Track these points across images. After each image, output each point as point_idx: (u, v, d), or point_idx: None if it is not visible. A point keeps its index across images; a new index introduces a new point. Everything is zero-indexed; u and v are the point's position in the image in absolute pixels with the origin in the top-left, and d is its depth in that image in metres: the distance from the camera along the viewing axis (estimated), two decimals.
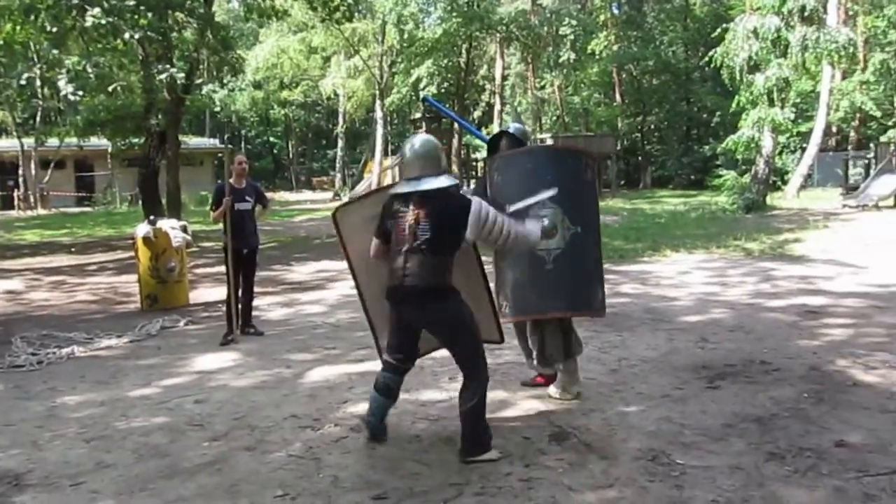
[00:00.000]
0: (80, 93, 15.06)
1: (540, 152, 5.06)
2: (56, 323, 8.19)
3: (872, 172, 21.89)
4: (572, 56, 37.69)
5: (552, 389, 4.79)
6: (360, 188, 38.12)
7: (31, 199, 32.36)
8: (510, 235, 3.85)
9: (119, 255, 14.58)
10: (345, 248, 4.17)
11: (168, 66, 15.38)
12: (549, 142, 30.05)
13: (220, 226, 7.13)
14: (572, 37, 37.13)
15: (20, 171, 32.62)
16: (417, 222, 3.72)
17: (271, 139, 57.95)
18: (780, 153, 28.08)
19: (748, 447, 3.88)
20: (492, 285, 4.50)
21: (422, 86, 35.17)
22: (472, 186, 5.13)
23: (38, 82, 20.86)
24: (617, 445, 3.97)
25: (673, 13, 40.74)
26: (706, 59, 22.77)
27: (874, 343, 6.02)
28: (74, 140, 26.62)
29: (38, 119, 33.11)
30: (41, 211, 31.27)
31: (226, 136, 40.31)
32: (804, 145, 27.36)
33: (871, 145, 26.93)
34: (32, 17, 13.44)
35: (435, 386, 5.18)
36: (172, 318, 8.15)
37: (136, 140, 19.76)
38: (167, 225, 9.22)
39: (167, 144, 17.45)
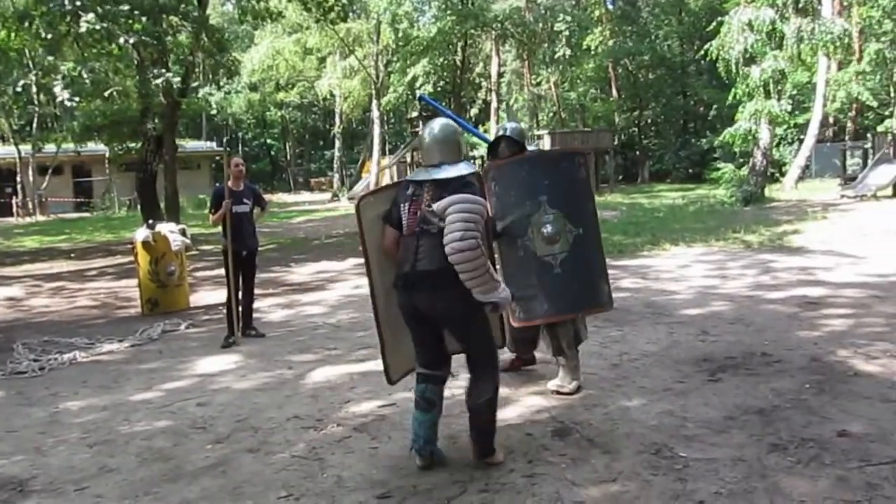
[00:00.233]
0: (77, 98, 15.06)
1: (534, 159, 5.09)
2: (57, 329, 8.19)
3: (870, 162, 21.90)
4: (568, 52, 37.69)
5: (552, 383, 4.81)
6: (359, 188, 38.15)
7: (30, 206, 32.36)
8: (456, 238, 3.35)
9: (118, 259, 14.59)
10: (364, 240, 3.95)
11: (163, 70, 15.40)
12: (547, 139, 30.04)
13: (220, 229, 7.14)
14: (567, 33, 37.13)
15: (18, 178, 32.61)
16: (429, 205, 3.56)
17: (268, 141, 57.93)
18: (778, 145, 28.09)
19: (750, 439, 3.89)
20: None
21: (418, 84, 35.17)
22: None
23: (34, 89, 20.84)
24: (619, 440, 3.97)
25: (667, 7, 40.71)
26: (702, 52, 22.79)
27: (874, 333, 6.02)
28: (71, 146, 26.64)
29: (34, 125, 33.08)
30: (40, 217, 31.27)
31: (223, 139, 40.29)
32: (801, 137, 27.39)
33: (869, 135, 26.91)
34: (27, 24, 13.45)
35: None
36: (173, 321, 8.15)
37: (133, 144, 19.73)
38: (166, 229, 9.23)
39: (164, 148, 17.44)
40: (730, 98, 21.88)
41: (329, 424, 4.49)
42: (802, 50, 20.40)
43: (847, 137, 30.94)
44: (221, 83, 37.09)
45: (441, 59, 35.85)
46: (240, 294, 7.16)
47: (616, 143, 36.88)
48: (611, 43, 38.05)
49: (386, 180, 40.09)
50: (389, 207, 3.80)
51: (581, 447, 3.90)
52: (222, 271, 7.42)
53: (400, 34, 31.49)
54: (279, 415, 4.73)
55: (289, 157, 56.17)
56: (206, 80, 26.79)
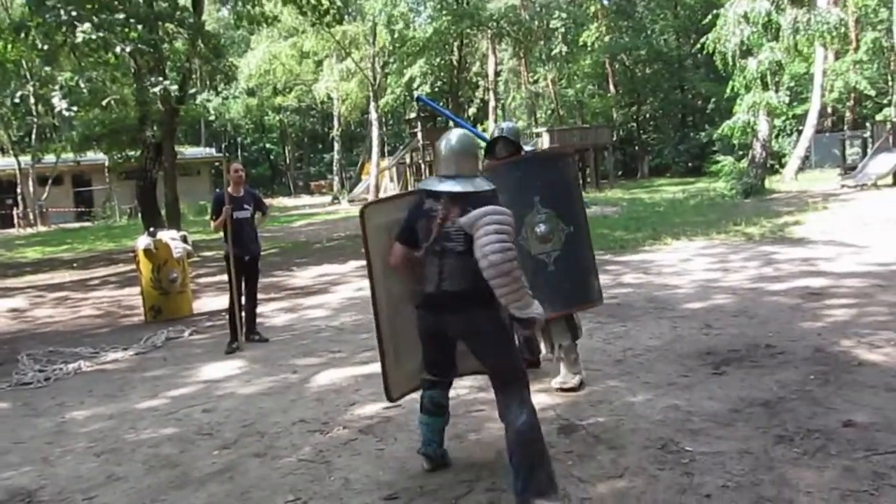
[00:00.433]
0: (75, 108, 15.10)
1: (529, 160, 5.17)
2: (61, 339, 8.20)
3: (870, 152, 21.88)
4: (564, 49, 37.70)
5: (556, 381, 4.83)
6: (359, 190, 38.19)
7: (31, 217, 32.42)
8: (494, 251, 3.14)
9: (121, 268, 14.61)
10: (367, 249, 3.76)
11: (161, 77, 15.41)
12: (545, 136, 30.03)
13: (221, 234, 7.15)
14: (563, 29, 37.14)
15: (18, 189, 32.66)
16: (451, 221, 3.35)
17: (267, 145, 57.99)
18: (777, 136, 28.08)
19: (756, 431, 3.89)
20: None
21: (415, 85, 35.20)
22: None
23: (32, 99, 20.92)
24: (625, 435, 3.98)
25: (663, 1, 40.74)
26: (698, 45, 22.79)
27: (878, 322, 6.02)
28: (71, 155, 26.68)
29: (33, 136, 33.13)
30: (41, 228, 31.31)
31: (222, 145, 40.27)
32: (800, 128, 27.41)
33: (867, 124, 26.90)
34: (23, 35, 13.47)
35: None
36: (177, 328, 8.17)
37: (132, 153, 19.75)
38: (167, 236, 9.24)
39: (163, 155, 17.45)
40: (727, 91, 21.89)
41: (335, 427, 4.50)
42: (799, 41, 20.39)
43: (846, 127, 30.93)
44: (219, 89, 37.15)
45: (438, 60, 35.88)
46: (243, 299, 7.17)
47: (615, 138, 36.89)
48: (607, 39, 38.09)
49: (385, 182, 40.17)
50: (402, 223, 3.59)
51: (587, 443, 3.90)
52: (225, 277, 7.43)
53: (396, 35, 31.50)
54: (285, 419, 4.73)
55: (288, 160, 56.20)
56: (204, 86, 26.86)
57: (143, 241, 9.04)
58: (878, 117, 27.59)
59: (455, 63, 36.26)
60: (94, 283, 13.15)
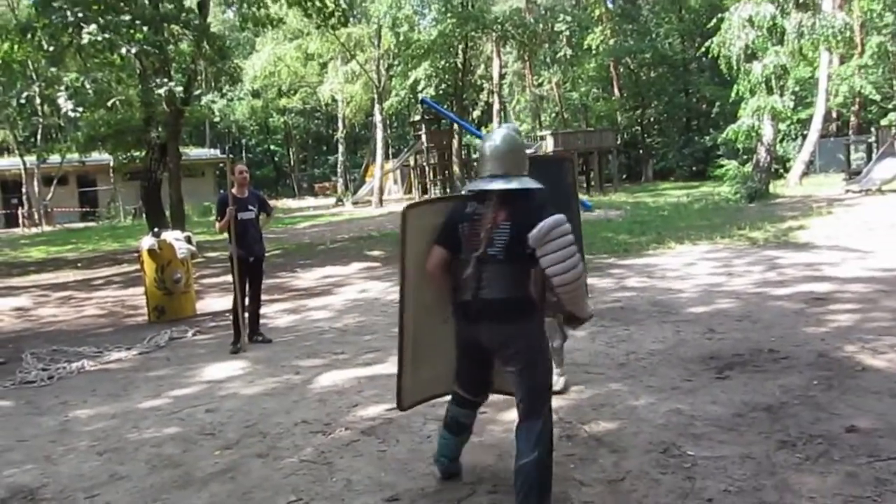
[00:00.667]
0: (80, 108, 15.17)
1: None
2: (65, 338, 8.23)
3: (874, 156, 21.83)
4: (569, 52, 37.72)
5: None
6: (363, 192, 38.22)
7: (36, 217, 32.51)
8: (569, 267, 3.02)
9: (125, 268, 14.64)
10: (404, 252, 3.50)
11: (166, 78, 15.45)
12: (550, 139, 30.03)
13: (226, 235, 7.16)
14: (568, 33, 37.16)
15: (23, 189, 32.76)
16: (496, 225, 3.14)
17: (272, 147, 58.09)
18: (781, 141, 28.05)
19: (759, 436, 3.89)
20: None
21: (420, 88, 35.21)
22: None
23: (38, 100, 21.01)
24: (627, 439, 3.97)
25: (667, 5, 40.68)
26: (703, 49, 22.75)
27: (881, 328, 6.00)
28: (76, 156, 26.76)
29: (39, 136, 33.26)
30: (46, 228, 31.40)
31: (226, 146, 40.38)
32: (805, 132, 27.34)
33: (872, 129, 26.85)
34: (29, 36, 13.53)
35: None
36: (180, 328, 8.19)
37: (137, 153, 19.82)
38: (171, 237, 9.27)
39: (168, 156, 17.50)
40: (732, 95, 21.85)
41: (337, 428, 4.51)
42: (804, 45, 20.35)
43: (851, 132, 30.87)
44: (224, 90, 37.24)
45: (442, 62, 35.84)
46: (246, 300, 7.18)
47: (619, 142, 36.87)
48: (612, 42, 38.06)
49: (389, 184, 40.22)
50: (442, 225, 3.36)
51: (589, 447, 3.90)
52: (228, 278, 7.46)
53: (401, 38, 31.52)
54: (287, 420, 4.74)
55: (292, 162, 56.28)
56: (209, 87, 26.90)
57: (147, 242, 9.07)
58: (883, 122, 27.53)
59: (460, 66, 36.23)
60: (98, 282, 13.18)
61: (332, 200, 39.47)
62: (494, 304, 3.17)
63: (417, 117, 39.34)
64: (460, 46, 34.65)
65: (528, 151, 5.27)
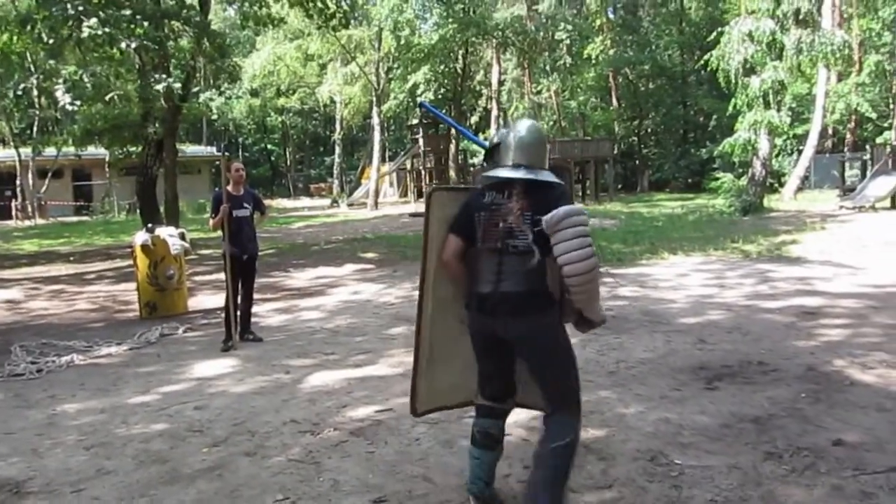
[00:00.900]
0: (77, 102, 15.11)
1: None
2: (55, 332, 8.19)
3: (869, 174, 21.95)
4: (568, 61, 37.82)
5: None
6: (358, 194, 38.22)
7: (29, 209, 32.36)
8: (582, 256, 2.90)
9: (117, 263, 14.59)
10: (427, 240, 3.33)
11: (165, 75, 15.42)
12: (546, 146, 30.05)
13: (220, 233, 7.16)
14: (568, 41, 37.28)
15: (18, 181, 32.63)
16: (519, 215, 3.05)
17: (268, 146, 58.06)
18: (777, 155, 28.17)
19: (746, 447, 3.90)
20: None
21: (419, 92, 35.25)
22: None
23: (35, 92, 20.94)
24: (615, 446, 3.98)
25: (668, 17, 40.90)
26: (702, 62, 22.87)
27: (871, 343, 6.04)
28: (72, 149, 26.65)
29: (35, 129, 33.14)
30: (39, 221, 31.26)
31: (221, 144, 40.40)
32: (800, 147, 27.51)
33: (867, 147, 27.00)
34: (29, 28, 13.50)
35: None
36: (171, 325, 8.17)
37: (133, 149, 19.75)
38: (165, 233, 9.24)
39: (164, 153, 17.46)
40: (729, 108, 21.95)
41: (326, 429, 4.50)
42: (802, 61, 20.49)
43: (846, 149, 31.03)
44: (222, 88, 37.20)
45: (442, 67, 35.92)
46: (238, 298, 7.18)
47: (616, 151, 36.96)
48: (611, 52, 38.22)
49: (385, 187, 40.20)
50: (458, 214, 3.25)
51: (578, 454, 3.90)
52: (221, 275, 7.45)
53: (401, 41, 31.57)
54: (276, 419, 4.73)
55: (289, 162, 56.26)
56: (208, 84, 26.86)
57: (140, 237, 9.05)
58: (879, 140, 27.70)
59: (459, 71, 36.32)
60: (91, 277, 13.13)
61: (327, 201, 39.46)
62: (514, 296, 3.07)
63: (415, 121, 39.42)
64: (460, 52, 34.75)
65: None
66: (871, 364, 5.37)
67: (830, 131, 32.32)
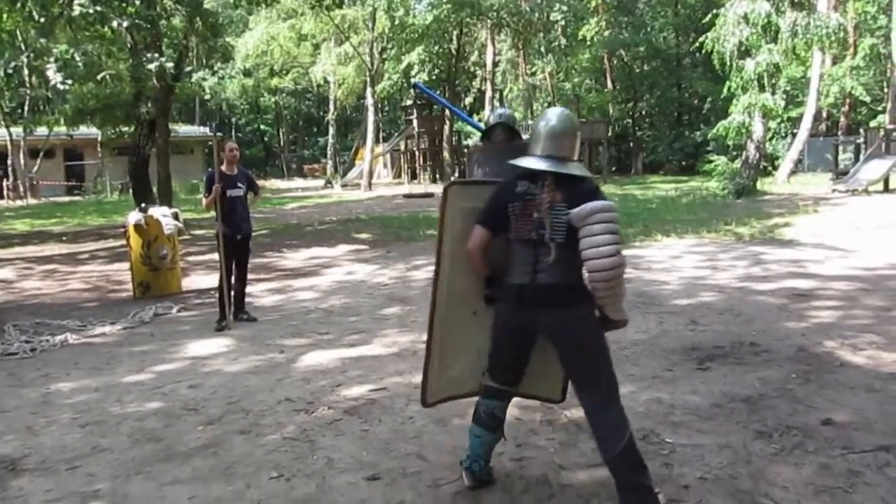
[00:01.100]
0: (69, 81, 14.99)
1: (521, 148, 5.13)
2: (48, 311, 8.19)
3: (862, 157, 21.99)
4: (563, 42, 37.63)
5: None
6: (352, 175, 38.14)
7: (21, 189, 32.20)
8: (607, 253, 2.89)
9: (110, 243, 14.56)
10: (442, 232, 3.33)
11: (157, 54, 15.31)
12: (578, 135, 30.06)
13: (213, 213, 7.15)
14: (563, 22, 37.07)
15: (9, 161, 32.42)
16: (552, 207, 3.01)
17: (262, 127, 57.77)
18: (771, 138, 28.19)
19: (736, 426, 3.94)
20: None
21: (413, 72, 35.11)
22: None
23: (26, 71, 20.75)
24: None
25: None
26: (697, 44, 22.79)
27: (861, 325, 6.08)
28: (63, 129, 26.48)
29: (26, 108, 32.86)
30: (31, 200, 31.12)
31: (213, 124, 40.06)
32: (794, 130, 27.48)
33: (861, 130, 27.03)
34: (19, 5, 13.35)
35: None
36: (165, 305, 8.17)
37: (125, 128, 19.66)
38: (159, 212, 9.22)
39: (157, 132, 17.39)
40: (724, 91, 21.91)
41: (320, 407, 4.53)
42: (797, 44, 20.42)
43: (839, 132, 31.05)
44: (215, 68, 36.97)
45: (436, 48, 35.75)
46: (232, 279, 7.18)
47: (610, 134, 36.92)
48: (606, 34, 38.01)
49: (379, 168, 40.10)
50: (489, 205, 3.19)
51: (569, 432, 3.94)
52: (215, 256, 7.44)
53: (395, 21, 31.38)
54: (270, 398, 4.76)
55: (282, 143, 56.01)
56: (200, 64, 26.67)
57: (133, 217, 9.02)
58: (872, 123, 27.71)
59: (453, 52, 36.15)
60: (83, 257, 13.11)
61: (320, 182, 39.37)
62: (553, 288, 3.04)
63: (409, 102, 39.27)
64: (455, 32, 34.57)
65: (524, 137, 5.28)
66: (861, 346, 5.42)
67: (824, 115, 32.32)
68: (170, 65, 15.92)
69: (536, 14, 34.91)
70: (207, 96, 41.79)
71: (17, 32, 17.20)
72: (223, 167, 7.08)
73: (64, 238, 16.21)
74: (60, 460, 3.87)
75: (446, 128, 35.62)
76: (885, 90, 30.35)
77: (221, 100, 46.89)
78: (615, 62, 40.57)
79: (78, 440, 4.16)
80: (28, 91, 28.19)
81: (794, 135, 27.51)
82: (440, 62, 37.08)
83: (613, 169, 38.76)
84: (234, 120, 54.20)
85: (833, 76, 29.14)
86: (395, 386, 4.86)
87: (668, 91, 40.74)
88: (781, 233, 12.66)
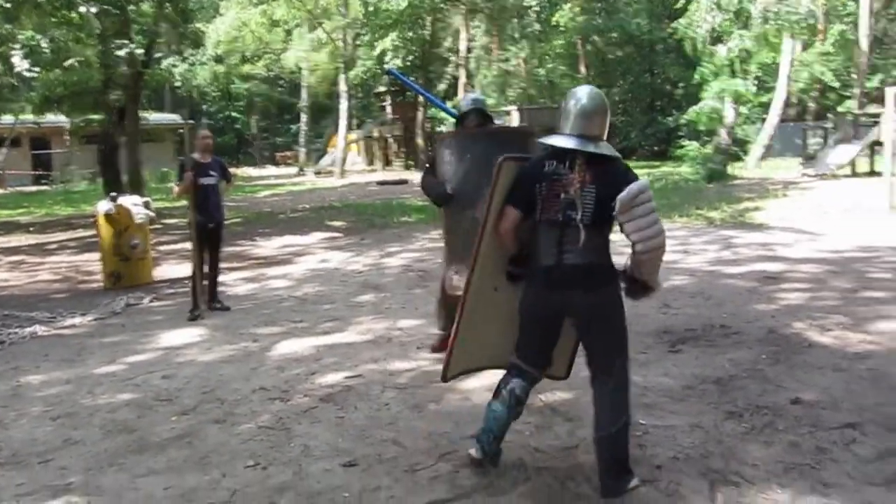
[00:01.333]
0: (36, 68, 14.72)
1: (493, 133, 5.17)
2: (17, 303, 8.06)
3: (830, 142, 22.29)
4: (537, 28, 37.58)
5: None
6: (325, 162, 37.90)
7: None
8: (655, 232, 3.04)
9: (80, 233, 14.35)
10: (490, 207, 3.26)
11: (126, 40, 15.07)
12: (515, 114, 30.10)
13: (186, 201, 7.07)
14: (537, 8, 37.01)
15: None
16: (582, 187, 3.02)
17: (233, 114, 57.07)
18: (742, 124, 28.40)
19: (708, 407, 4.01)
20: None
21: (386, 59, 34.87)
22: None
23: None
24: (582, 408, 4.03)
25: None
26: (670, 30, 22.90)
27: (829, 306, 6.19)
28: (30, 117, 25.96)
29: None
30: None
31: (184, 111, 39.51)
32: (765, 116, 27.74)
33: (829, 115, 27.36)
34: None
35: (403, 356, 5.24)
36: (137, 295, 8.08)
37: (94, 116, 19.33)
38: (129, 202, 9.10)
39: (127, 120, 17.13)
40: (696, 76, 22.06)
41: (295, 395, 4.52)
42: (768, 30, 20.60)
43: (809, 117, 31.40)
44: (186, 54, 36.44)
45: (410, 34, 35.52)
46: (205, 267, 7.12)
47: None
48: (580, 19, 38.03)
49: (352, 155, 39.85)
50: (516, 184, 3.18)
51: (544, 415, 3.98)
52: (187, 245, 7.39)
53: (369, 7, 31.11)
54: (245, 386, 4.74)
55: (254, 130, 55.42)
56: (170, 50, 26.28)
57: (103, 206, 8.89)
58: (841, 109, 28.05)
59: (427, 38, 35.96)
60: (52, 247, 12.90)
61: (293, 170, 39.07)
62: (581, 269, 3.06)
63: (383, 88, 39.02)
64: (429, 18, 34.35)
65: (497, 123, 5.26)
66: (828, 326, 5.52)
67: (795, 100, 32.66)
68: (140, 51, 15.71)
69: (511, 0, 34.82)
70: (178, 83, 41.13)
71: None
72: (196, 155, 7.01)
73: (31, 229, 15.94)
74: (32, 453, 3.83)
75: (420, 114, 35.47)
76: (854, 76, 30.76)
77: (192, 87, 46.17)
78: (589, 48, 40.64)
79: (49, 433, 4.11)
80: None
81: (764, 120, 27.80)
82: (414, 48, 36.87)
83: None
84: (205, 107, 53.51)
85: (803, 62, 29.42)
86: (370, 373, 4.87)
87: (640, 77, 40.91)
88: (752, 217, 12.81)
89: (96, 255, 9.44)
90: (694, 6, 20.84)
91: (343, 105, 33.04)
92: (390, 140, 38.09)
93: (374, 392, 4.49)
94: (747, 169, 23.89)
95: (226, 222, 7.69)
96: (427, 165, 5.15)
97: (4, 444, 3.98)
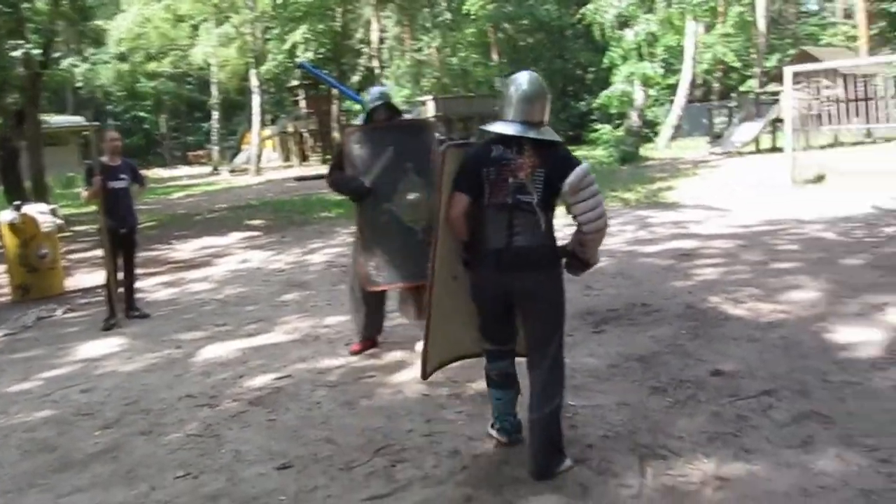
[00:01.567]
0: None
1: (398, 128, 5.17)
2: None
3: (735, 121, 23.19)
4: (448, 16, 37.67)
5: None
6: (240, 160, 37.09)
7: None
8: (601, 213, 3.10)
9: None
10: (442, 197, 3.29)
11: (21, 40, 14.35)
12: (430, 104, 30.12)
13: (96, 207, 6.81)
14: None
15: None
16: (533, 171, 3.12)
17: (141, 114, 55.14)
18: (651, 106, 29.25)
19: (633, 384, 4.13)
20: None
21: (298, 52, 34.30)
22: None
23: None
24: None
25: None
26: (578, 16, 23.31)
27: (741, 279, 6.46)
28: None
29: None
30: None
31: (91, 113, 37.92)
32: (673, 97, 28.63)
33: (733, 95, 28.45)
34: None
35: (331, 353, 5.19)
36: (48, 307, 7.74)
37: None
38: (35, 210, 8.69)
39: (26, 124, 16.32)
40: (605, 61, 22.55)
41: (223, 400, 4.42)
42: (672, 13, 21.23)
43: (714, 97, 32.57)
44: (86, 53, 34.95)
45: (321, 26, 35.03)
46: (120, 274, 6.87)
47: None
48: (490, 7, 38.30)
49: (267, 152, 39.15)
50: (463, 170, 3.24)
51: (476, 403, 4.01)
52: (99, 252, 7.10)
53: (278, 0, 30.52)
54: (170, 395, 4.61)
55: (163, 130, 53.71)
56: (70, 50, 25.15)
57: (7, 216, 8.46)
58: (743, 88, 29.23)
59: (339, 29, 35.55)
60: None
61: (207, 169, 38.10)
62: (529, 251, 3.15)
63: (296, 82, 38.40)
64: (339, 10, 33.96)
65: (407, 116, 5.27)
66: (742, 299, 5.76)
67: (700, 81, 33.80)
68: (37, 51, 14.96)
69: None
70: (80, 83, 39.48)
71: None
72: (104, 158, 6.75)
73: None
74: None
75: (335, 107, 35.11)
76: (754, 56, 32.07)
77: (95, 87, 44.38)
78: (500, 36, 41.00)
79: None
80: None
81: (672, 102, 28.68)
82: (326, 41, 36.39)
83: None
84: (109, 108, 51.50)
85: (706, 44, 30.47)
86: (299, 372, 4.81)
87: (552, 63, 41.48)
88: (665, 196, 13.23)
89: (1, 268, 8.99)
90: None
91: (255, 101, 32.39)
92: (305, 135, 37.59)
93: (304, 392, 4.44)
94: (658, 150, 24.62)
95: (139, 226, 7.44)
96: (333, 162, 5.10)
97: None
